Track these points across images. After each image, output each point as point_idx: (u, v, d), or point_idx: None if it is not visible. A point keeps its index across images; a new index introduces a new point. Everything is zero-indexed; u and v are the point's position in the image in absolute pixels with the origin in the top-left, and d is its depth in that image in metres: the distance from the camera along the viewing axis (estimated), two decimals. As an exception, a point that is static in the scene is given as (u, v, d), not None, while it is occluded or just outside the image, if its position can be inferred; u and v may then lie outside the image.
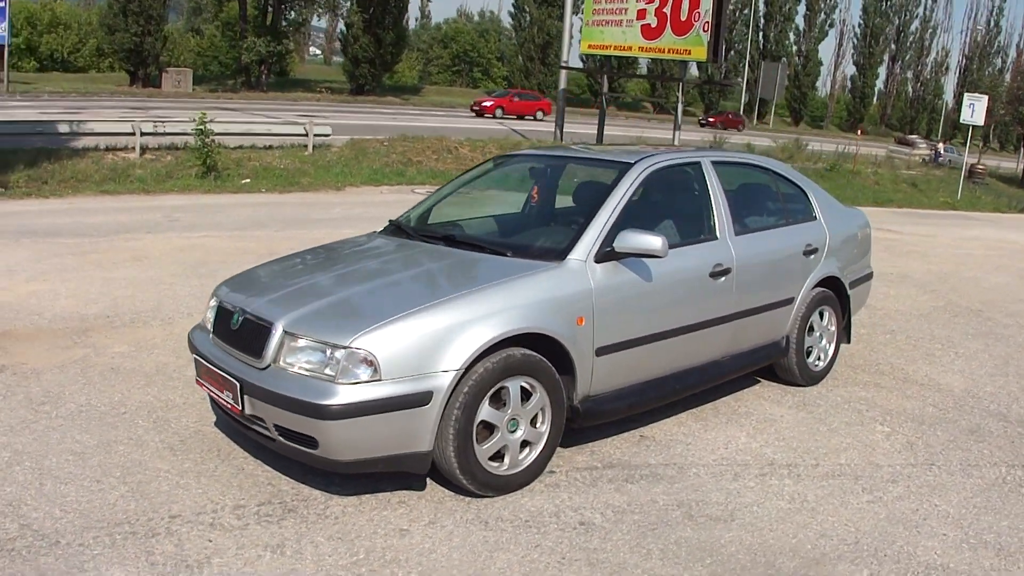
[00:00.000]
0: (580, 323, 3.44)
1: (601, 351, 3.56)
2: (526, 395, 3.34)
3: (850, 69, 65.95)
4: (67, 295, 6.29)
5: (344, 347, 3.00)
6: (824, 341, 5.08)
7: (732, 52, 56.96)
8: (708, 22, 15.55)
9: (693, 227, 4.27)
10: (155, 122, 15.21)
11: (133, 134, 14.50)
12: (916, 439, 4.29)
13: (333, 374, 3.00)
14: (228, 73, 41.27)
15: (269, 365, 3.18)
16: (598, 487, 3.47)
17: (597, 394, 3.66)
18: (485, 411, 3.21)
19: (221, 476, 3.48)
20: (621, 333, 3.63)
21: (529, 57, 50.87)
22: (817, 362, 5.06)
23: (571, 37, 21.48)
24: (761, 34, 59.02)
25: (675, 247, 3.98)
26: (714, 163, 4.44)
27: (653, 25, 17.08)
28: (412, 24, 73.35)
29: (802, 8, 59.78)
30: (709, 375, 4.26)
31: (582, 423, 3.62)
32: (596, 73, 22.23)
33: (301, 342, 3.12)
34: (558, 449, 3.80)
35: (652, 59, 26.01)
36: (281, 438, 3.18)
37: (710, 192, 4.28)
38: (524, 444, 3.39)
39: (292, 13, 41.21)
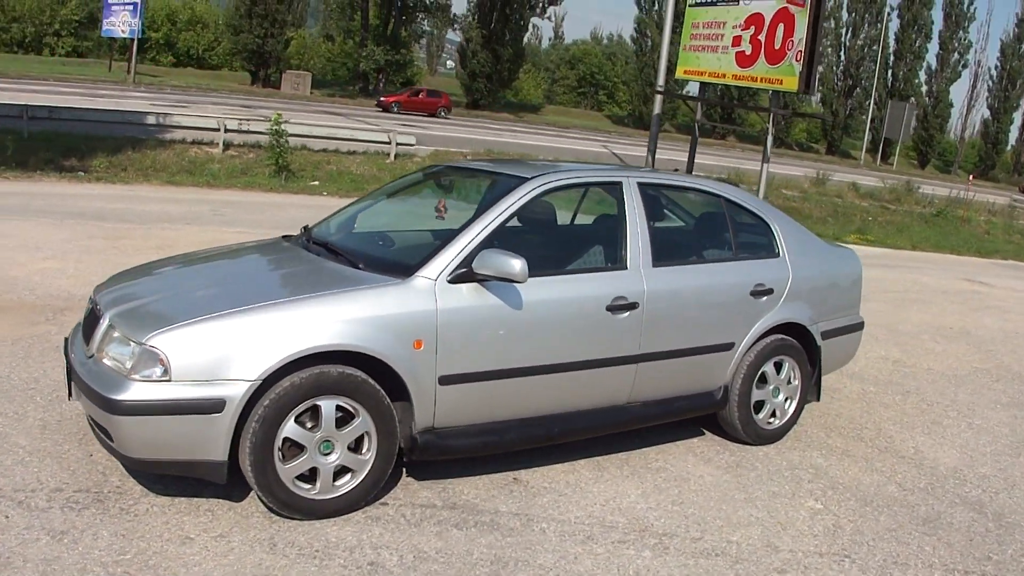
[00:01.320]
0: (418, 346, 3.16)
1: (447, 380, 3.25)
2: (348, 417, 3.11)
3: (984, 113, 61.48)
4: (71, 275, 6.54)
5: (140, 344, 2.90)
6: (781, 396, 4.52)
7: (858, 89, 54.17)
8: (801, 51, 14.77)
9: (595, 253, 3.89)
10: (240, 120, 15.91)
11: (218, 130, 15.22)
12: (847, 523, 3.71)
13: (129, 370, 2.90)
14: (348, 79, 42.87)
15: (93, 355, 3.12)
16: (420, 528, 3.17)
17: (444, 427, 3.35)
18: (290, 428, 3.00)
19: (65, 459, 3.46)
20: (475, 363, 3.32)
21: (648, 82, 50.27)
22: (771, 419, 4.52)
23: (667, 62, 21.02)
24: (890, 72, 55.78)
25: (564, 274, 3.66)
26: (641, 185, 4.01)
27: (747, 53, 16.42)
28: (544, 44, 74.30)
29: (934, 47, 56.18)
30: (607, 421, 3.84)
31: (421, 456, 3.32)
32: (691, 100, 21.68)
33: (116, 334, 3.05)
34: (410, 480, 3.55)
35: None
36: (95, 427, 3.12)
37: (627, 216, 3.86)
38: (345, 470, 3.15)
39: (413, 24, 42.45)
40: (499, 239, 3.45)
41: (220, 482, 3.03)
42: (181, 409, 2.84)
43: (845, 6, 53.35)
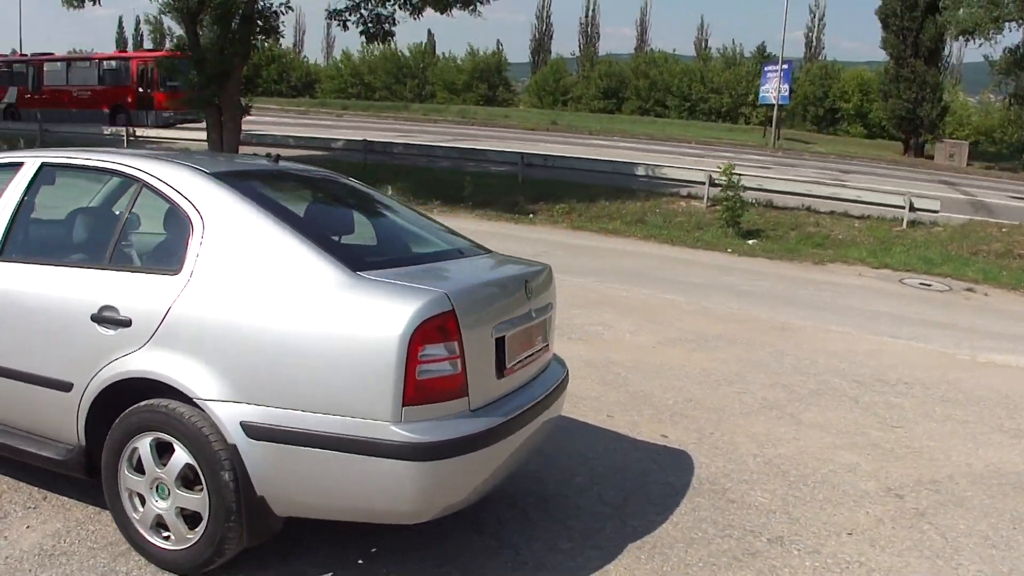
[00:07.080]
0: None
1: None
2: None
3: None
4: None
5: None
6: (169, 503, 2.87)
7: None
8: None
9: None
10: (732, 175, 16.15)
11: (703, 183, 15.84)
12: None
13: None
14: (1015, 150, 36.52)
15: None
16: None
17: None
18: None
19: None
20: None
21: None
22: (163, 533, 2.92)
23: None
24: None
25: None
26: (48, 166, 3.49)
27: None
28: None
29: None
30: None
31: None
32: None
33: None
34: None
35: None
36: None
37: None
38: None
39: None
40: None
41: None
42: None
43: None
